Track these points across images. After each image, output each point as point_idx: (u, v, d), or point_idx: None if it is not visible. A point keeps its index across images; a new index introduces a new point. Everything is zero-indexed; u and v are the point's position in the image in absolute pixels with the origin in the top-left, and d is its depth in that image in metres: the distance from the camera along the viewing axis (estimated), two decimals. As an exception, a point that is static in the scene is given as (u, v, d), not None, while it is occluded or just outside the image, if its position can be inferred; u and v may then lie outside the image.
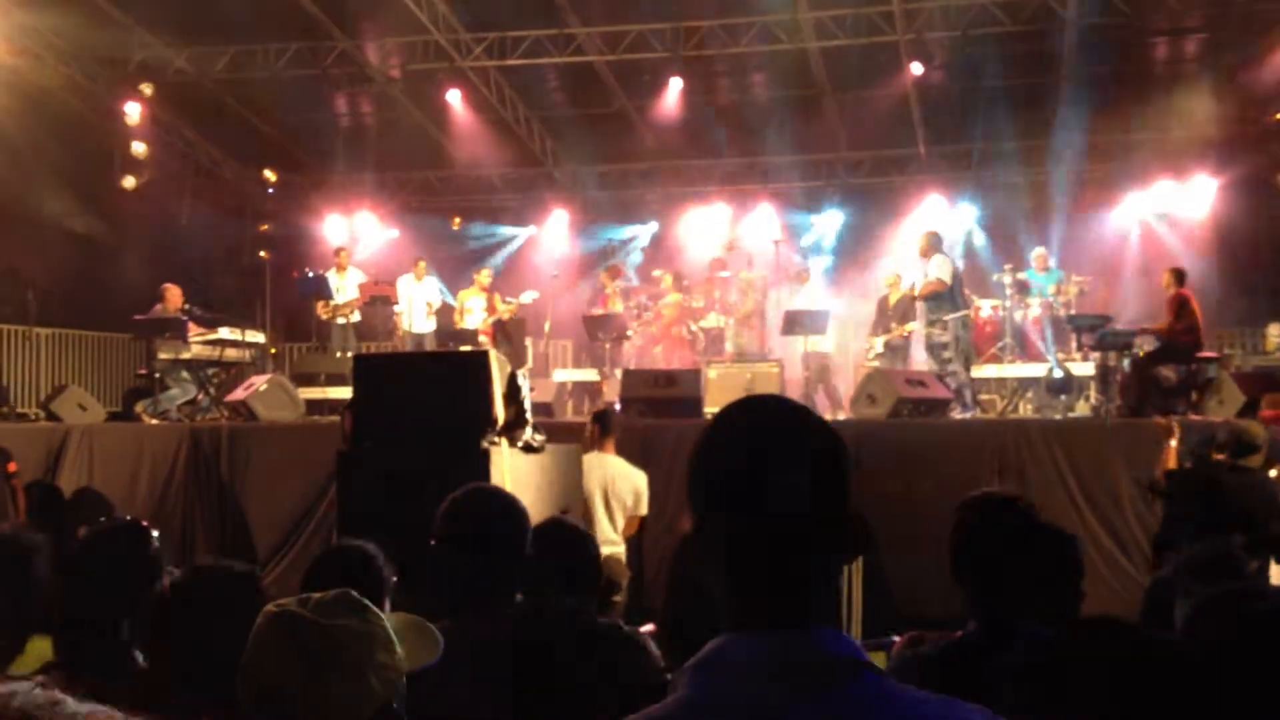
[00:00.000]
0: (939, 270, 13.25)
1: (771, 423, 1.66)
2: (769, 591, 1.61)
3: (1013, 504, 3.15)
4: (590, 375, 15.61)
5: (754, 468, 1.61)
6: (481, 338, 15.20)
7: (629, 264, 19.43)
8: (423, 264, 16.65)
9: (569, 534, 3.66)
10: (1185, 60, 16.58)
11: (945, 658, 3.01)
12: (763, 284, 15.82)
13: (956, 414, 12.19)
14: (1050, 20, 15.81)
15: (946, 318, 13.11)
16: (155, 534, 3.29)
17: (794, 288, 15.60)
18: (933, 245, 13.61)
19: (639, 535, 8.89)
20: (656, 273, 16.81)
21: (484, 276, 16.28)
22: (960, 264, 14.59)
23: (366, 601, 2.19)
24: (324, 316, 16.04)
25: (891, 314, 15.04)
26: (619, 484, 8.44)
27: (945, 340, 13.20)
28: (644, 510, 8.58)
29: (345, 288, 16.04)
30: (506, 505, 3.34)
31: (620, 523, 8.47)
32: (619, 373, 14.06)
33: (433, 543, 3.21)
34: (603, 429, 8.69)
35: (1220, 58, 16.05)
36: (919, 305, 14.07)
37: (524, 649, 2.50)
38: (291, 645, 2.07)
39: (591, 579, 3.59)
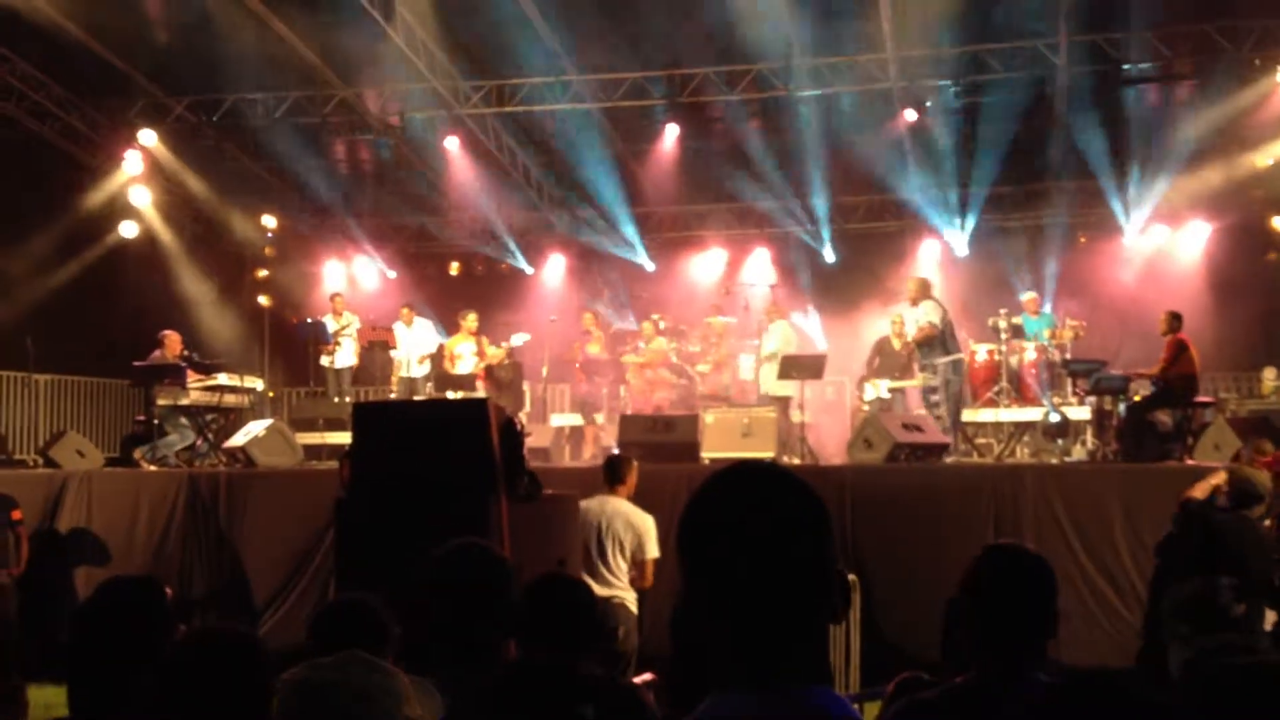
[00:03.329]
0: (928, 315, 13.45)
1: (754, 491, 1.71)
2: (757, 651, 1.66)
3: (1030, 554, 3.19)
4: (576, 420, 15.60)
5: (737, 536, 1.67)
6: (477, 383, 15.19)
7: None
8: (407, 310, 16.61)
9: (564, 586, 3.68)
10: (1176, 105, 16.73)
11: (948, 704, 3.01)
12: (725, 329, 15.77)
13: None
14: (1042, 67, 16.01)
15: (937, 362, 13.26)
16: (168, 589, 3.30)
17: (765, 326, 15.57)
18: (922, 291, 13.81)
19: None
20: (645, 324, 16.82)
21: (470, 321, 15.91)
22: (951, 308, 14.65)
23: (375, 658, 2.22)
24: (325, 358, 16.08)
25: (895, 357, 15.10)
26: (616, 524, 8.26)
27: (935, 384, 13.33)
28: (651, 554, 8.33)
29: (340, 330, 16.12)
30: (488, 562, 3.37)
31: (621, 565, 8.32)
32: (599, 417, 14.15)
33: (417, 606, 3.25)
34: (609, 478, 8.58)
35: (1210, 103, 16.20)
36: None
37: (512, 704, 2.52)
38: (326, 708, 2.09)
39: (589, 630, 3.61)
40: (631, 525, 8.30)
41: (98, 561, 11.36)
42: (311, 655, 2.92)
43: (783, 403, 14.22)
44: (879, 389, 14.72)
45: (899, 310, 15.26)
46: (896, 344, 15.08)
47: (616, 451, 10.45)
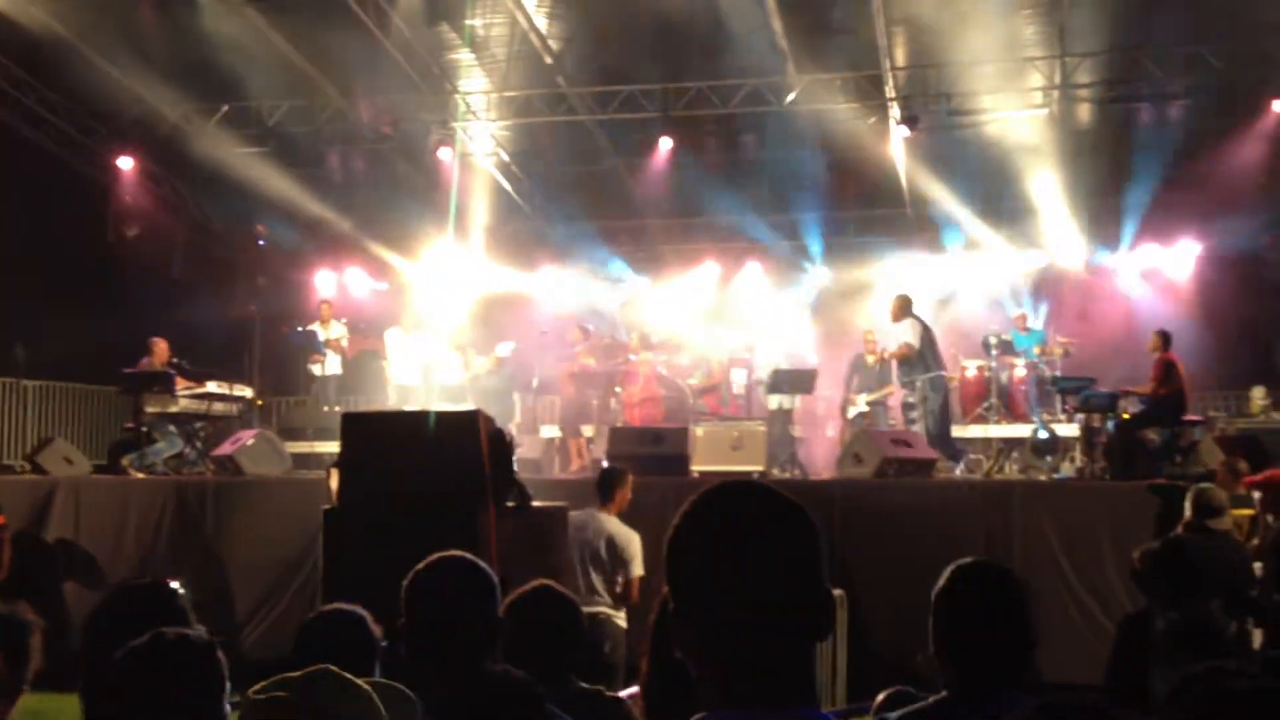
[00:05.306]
0: (906, 334, 13.56)
1: (744, 511, 1.70)
2: (745, 672, 1.65)
3: (1007, 574, 3.15)
4: (554, 432, 15.53)
5: (727, 556, 1.66)
6: (467, 395, 15.16)
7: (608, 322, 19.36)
8: (404, 319, 16.58)
9: (549, 599, 3.67)
10: (1168, 126, 16.78)
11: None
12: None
13: None
14: (1037, 84, 16.07)
15: (916, 379, 13.33)
16: (182, 592, 3.26)
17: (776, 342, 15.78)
18: (903, 309, 13.83)
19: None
20: (631, 334, 16.83)
21: (456, 334, 16.04)
22: (942, 324, 14.72)
23: (348, 675, 2.18)
24: (316, 366, 16.03)
25: (870, 372, 15.24)
26: (601, 541, 8.19)
27: (913, 400, 13.44)
28: (636, 572, 8.24)
29: (330, 340, 16.07)
30: (470, 574, 3.35)
31: (606, 581, 8.29)
32: (588, 430, 14.13)
33: (401, 619, 3.23)
34: (600, 493, 8.48)
35: (1202, 125, 16.26)
36: (893, 366, 14.25)
37: (496, 716, 2.51)
38: None
39: (573, 644, 3.60)
40: (615, 543, 8.21)
41: (84, 569, 11.32)
42: (295, 666, 2.90)
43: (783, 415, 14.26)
44: (860, 406, 14.86)
45: (873, 326, 15.45)
46: (870, 359, 15.23)
47: (606, 464, 10.38)
